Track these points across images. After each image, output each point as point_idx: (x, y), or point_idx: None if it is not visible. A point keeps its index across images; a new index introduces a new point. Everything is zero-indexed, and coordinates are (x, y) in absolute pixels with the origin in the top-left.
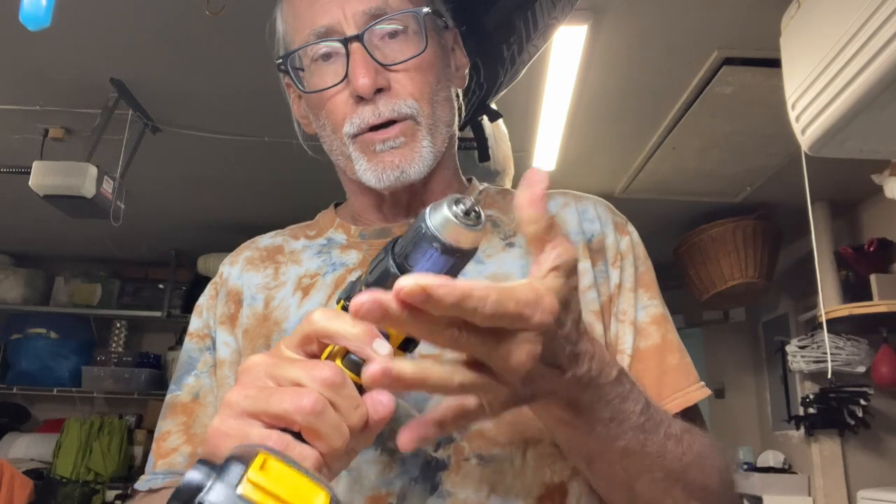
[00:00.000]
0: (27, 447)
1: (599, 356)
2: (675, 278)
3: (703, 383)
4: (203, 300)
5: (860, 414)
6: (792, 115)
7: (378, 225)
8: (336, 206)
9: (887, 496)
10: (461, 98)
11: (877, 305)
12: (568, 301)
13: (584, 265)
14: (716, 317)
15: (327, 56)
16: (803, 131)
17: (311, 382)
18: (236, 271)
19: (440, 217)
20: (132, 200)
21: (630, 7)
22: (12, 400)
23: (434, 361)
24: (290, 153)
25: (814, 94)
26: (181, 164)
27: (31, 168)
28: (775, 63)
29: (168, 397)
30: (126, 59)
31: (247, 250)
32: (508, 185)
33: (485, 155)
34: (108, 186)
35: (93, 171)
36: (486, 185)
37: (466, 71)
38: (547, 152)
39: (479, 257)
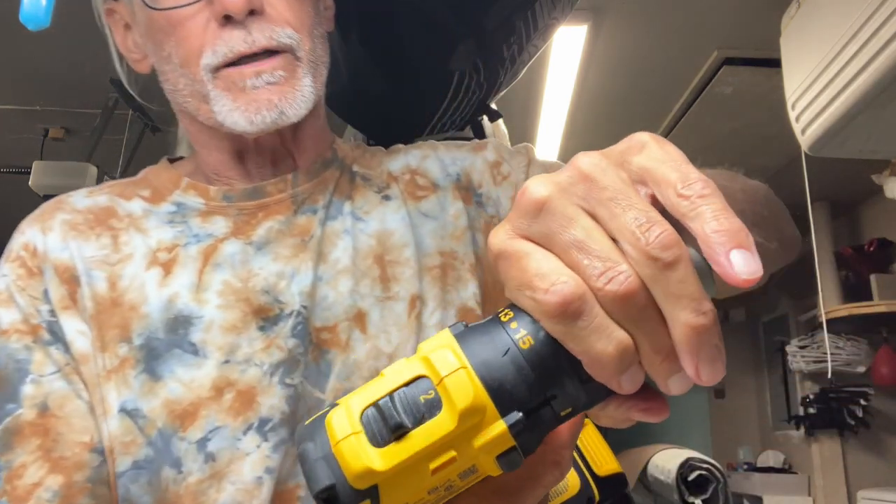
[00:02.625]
0: None
1: None
2: None
3: None
4: (7, 283)
5: (860, 414)
6: (792, 115)
7: (243, 183)
8: (171, 161)
9: (887, 496)
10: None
11: (877, 305)
12: None
13: (457, 206)
14: None
15: None
16: (803, 131)
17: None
18: (55, 240)
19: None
20: None
21: (630, 7)
22: None
23: None
24: None
25: (814, 94)
26: None
27: (31, 168)
28: (775, 63)
29: (6, 422)
30: None
31: (60, 212)
32: None
33: None
34: None
35: (93, 171)
36: (343, 140)
37: (332, 14)
38: (547, 152)
39: (357, 214)
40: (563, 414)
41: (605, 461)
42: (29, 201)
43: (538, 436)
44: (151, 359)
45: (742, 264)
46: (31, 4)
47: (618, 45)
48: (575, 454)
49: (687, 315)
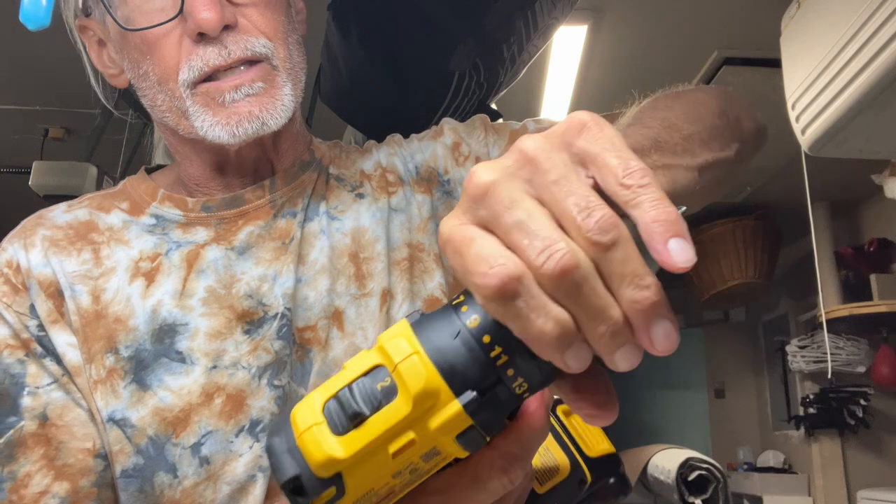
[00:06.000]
0: None
1: None
2: (675, 278)
3: None
4: None
5: (860, 414)
6: (792, 115)
7: (224, 193)
8: (148, 171)
9: (887, 496)
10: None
11: (877, 305)
12: None
13: (419, 198)
14: (716, 317)
15: None
16: (803, 131)
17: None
18: (38, 256)
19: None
20: None
21: (630, 7)
22: None
23: None
24: None
25: (814, 94)
26: None
27: (31, 168)
28: (775, 63)
29: (8, 434)
30: None
31: (41, 228)
32: None
33: None
34: (108, 186)
35: (93, 171)
36: (320, 140)
37: (304, 17)
38: None
39: (332, 214)
40: (519, 392)
41: (596, 442)
42: (29, 201)
43: (498, 415)
44: (139, 369)
45: (679, 252)
46: (31, 4)
47: (618, 45)
48: (564, 437)
49: (631, 291)
